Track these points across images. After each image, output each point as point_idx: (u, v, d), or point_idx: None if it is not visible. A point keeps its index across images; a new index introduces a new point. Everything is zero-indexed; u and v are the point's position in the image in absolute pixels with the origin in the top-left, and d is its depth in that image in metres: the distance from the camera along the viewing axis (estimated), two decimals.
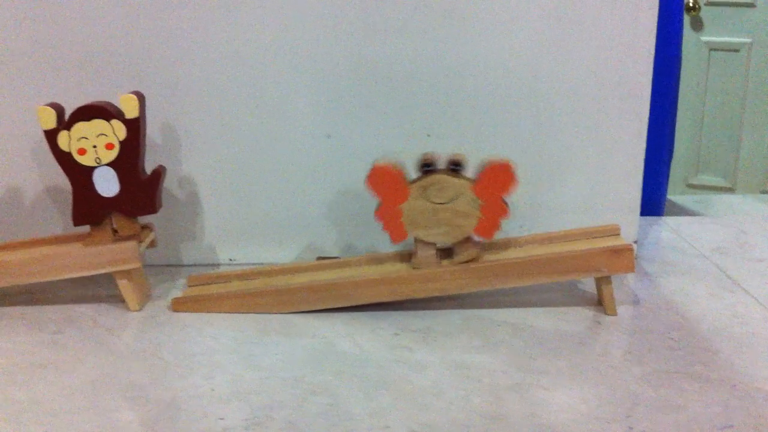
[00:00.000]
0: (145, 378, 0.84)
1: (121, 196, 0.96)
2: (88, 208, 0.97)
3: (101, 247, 0.98)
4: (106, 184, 0.96)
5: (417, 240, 0.97)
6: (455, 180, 0.94)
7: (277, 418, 0.76)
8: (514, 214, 1.10)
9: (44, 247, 1.02)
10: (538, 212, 1.12)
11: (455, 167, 0.94)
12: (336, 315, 0.98)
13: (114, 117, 0.93)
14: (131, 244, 0.97)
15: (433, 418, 0.76)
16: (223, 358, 0.88)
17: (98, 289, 1.05)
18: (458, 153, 0.95)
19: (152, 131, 1.06)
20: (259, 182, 1.10)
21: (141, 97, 0.95)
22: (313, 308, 0.98)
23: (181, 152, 1.09)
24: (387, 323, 0.96)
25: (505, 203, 0.95)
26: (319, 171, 1.10)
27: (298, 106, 1.07)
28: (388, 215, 0.95)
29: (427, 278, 0.96)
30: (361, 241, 1.12)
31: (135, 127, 0.94)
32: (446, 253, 0.99)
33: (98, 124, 0.93)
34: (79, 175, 0.95)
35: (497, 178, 0.94)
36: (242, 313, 0.99)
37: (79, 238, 1.03)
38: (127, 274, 0.98)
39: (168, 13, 1.03)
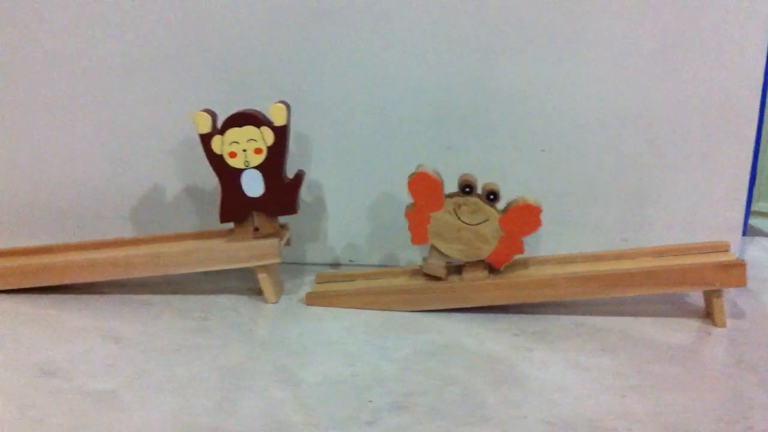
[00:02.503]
0: (291, 362, 0.92)
1: (265, 197, 1.05)
2: (235, 207, 1.05)
3: (245, 243, 1.06)
4: (253, 185, 1.04)
5: (433, 248, 1.04)
6: (488, 207, 1.02)
7: (419, 403, 0.83)
8: (619, 226, 1.16)
9: (189, 241, 1.12)
10: (642, 227, 1.18)
11: (492, 196, 1.01)
12: (456, 315, 1.05)
13: (264, 124, 1.02)
14: (273, 241, 1.05)
15: (562, 412, 0.82)
16: (359, 349, 0.95)
17: (235, 282, 1.14)
18: (495, 183, 1.02)
19: None
20: (381, 190, 1.17)
21: (288, 107, 1.03)
22: (435, 308, 1.05)
23: (311, 159, 1.17)
24: (506, 324, 1.03)
25: (522, 243, 1.02)
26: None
27: (421, 119, 1.15)
28: (418, 218, 1.03)
29: (543, 285, 1.03)
30: None
31: (282, 134, 1.02)
32: (456, 268, 1.07)
33: (249, 130, 1.02)
34: (229, 176, 1.04)
35: (525, 218, 1.01)
36: (368, 309, 1.06)
37: (218, 234, 1.12)
38: (266, 268, 1.07)
39: (306, 34, 1.12)
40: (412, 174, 1.01)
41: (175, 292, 1.11)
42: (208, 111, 1.03)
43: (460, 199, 1.02)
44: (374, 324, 1.02)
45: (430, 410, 0.82)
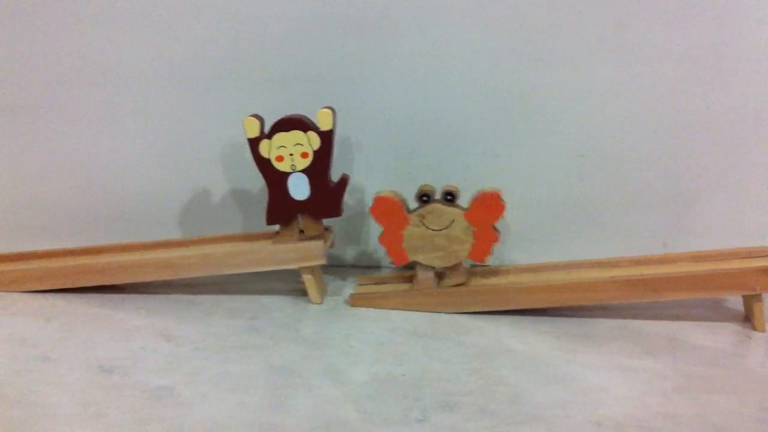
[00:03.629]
0: (340, 362, 0.94)
1: (310, 200, 1.07)
2: (281, 210, 1.08)
3: (291, 245, 1.09)
4: (299, 188, 1.07)
5: (417, 264, 1.07)
6: (449, 209, 1.04)
7: (468, 402, 0.85)
8: (659, 231, 1.18)
9: (236, 242, 1.14)
10: (682, 232, 1.19)
11: (449, 197, 1.04)
12: (497, 317, 1.07)
13: (310, 129, 1.04)
14: (318, 243, 1.08)
15: (609, 412, 0.84)
16: (406, 349, 0.97)
17: (280, 283, 1.17)
18: (451, 184, 1.05)
19: None
20: None
21: (333, 112, 1.06)
22: (477, 310, 1.07)
23: (353, 163, 1.20)
24: (548, 327, 1.04)
25: (496, 230, 1.04)
26: (482, 185, 1.18)
27: (469, 127, 1.16)
28: (391, 241, 1.06)
29: (587, 288, 1.04)
30: (519, 251, 1.20)
31: (328, 139, 1.05)
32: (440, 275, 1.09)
33: (296, 135, 1.04)
34: (276, 179, 1.06)
35: (488, 207, 1.03)
36: (412, 310, 1.08)
37: (264, 236, 1.15)
38: (311, 270, 1.09)
39: (353, 41, 1.14)
40: (372, 203, 1.05)
41: (222, 292, 1.14)
42: (256, 116, 1.05)
43: (423, 210, 1.04)
44: (418, 325, 1.04)
45: (478, 409, 0.84)
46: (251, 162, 1.06)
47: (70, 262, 1.13)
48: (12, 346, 0.96)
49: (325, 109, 1.04)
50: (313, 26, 1.14)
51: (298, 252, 1.08)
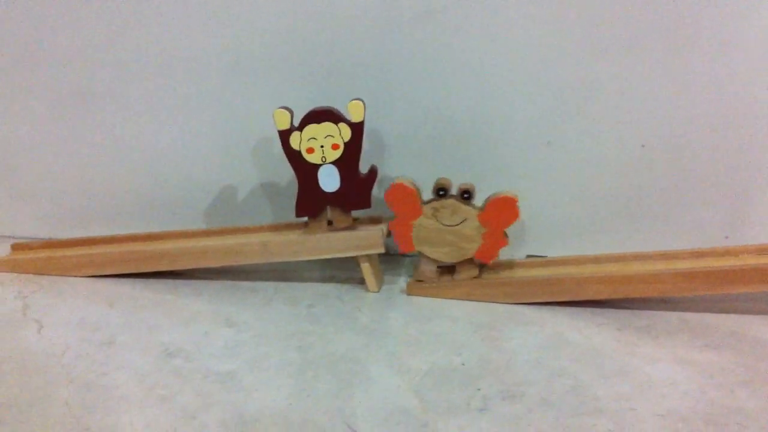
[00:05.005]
0: (400, 350, 0.95)
1: (340, 191, 1.07)
2: (311, 202, 1.08)
3: (350, 232, 1.09)
4: (329, 180, 1.07)
5: (422, 255, 1.07)
6: (465, 206, 1.04)
7: (529, 393, 0.85)
8: (721, 224, 1.16)
9: (286, 231, 1.15)
10: (744, 225, 1.16)
11: (466, 195, 1.03)
12: (557, 309, 1.06)
13: (341, 120, 1.04)
14: (377, 231, 1.08)
15: (673, 405, 0.83)
16: (465, 339, 0.97)
17: (336, 272, 1.17)
18: (469, 183, 1.04)
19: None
20: (485, 184, 1.18)
21: (364, 104, 1.05)
22: (537, 301, 1.07)
23: (384, 154, 1.19)
24: (608, 319, 1.03)
25: (506, 234, 1.04)
26: (540, 175, 1.18)
27: (522, 115, 1.16)
28: (401, 228, 1.06)
29: (649, 280, 1.03)
30: (578, 242, 1.19)
31: (359, 130, 1.04)
32: (448, 270, 1.09)
33: (327, 127, 1.04)
34: (306, 171, 1.06)
35: (502, 211, 1.03)
36: (469, 300, 1.08)
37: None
38: (369, 258, 1.10)
39: (414, 33, 1.14)
40: (388, 187, 1.05)
41: (280, 279, 1.15)
42: (286, 108, 1.05)
43: (437, 203, 1.05)
44: (477, 315, 1.04)
45: (540, 400, 0.84)
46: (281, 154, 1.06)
47: (133, 247, 1.15)
48: (80, 329, 0.98)
49: (356, 101, 1.04)
50: (368, 18, 1.14)
51: (357, 240, 1.09)
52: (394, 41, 1.15)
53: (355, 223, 1.13)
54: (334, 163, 1.06)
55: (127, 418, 0.80)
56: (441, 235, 1.06)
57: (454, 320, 1.03)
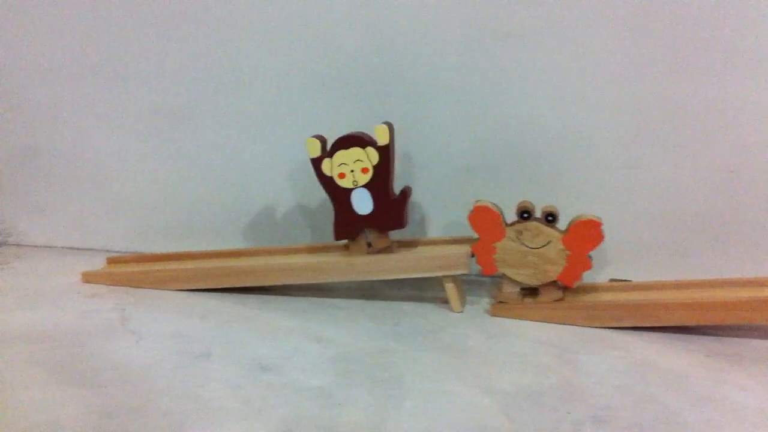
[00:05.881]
0: (486, 371, 0.95)
1: (374, 213, 1.10)
2: (347, 225, 1.11)
3: (435, 253, 1.11)
4: (362, 203, 1.10)
5: (504, 277, 1.07)
6: (549, 229, 1.04)
7: (620, 417, 0.85)
8: None
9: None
10: None
11: (550, 218, 1.04)
12: (642, 333, 1.06)
13: (368, 144, 1.07)
14: (463, 251, 1.10)
15: None
16: (552, 361, 0.98)
17: (418, 291, 1.19)
18: (552, 205, 1.04)
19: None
20: (576, 207, 1.18)
21: (391, 127, 1.08)
22: (621, 325, 1.06)
23: (466, 175, 1.21)
24: (695, 345, 1.02)
25: (589, 258, 1.03)
26: (623, 198, 1.17)
27: (604, 136, 1.16)
28: (483, 250, 1.07)
29: (736, 307, 1.02)
30: (663, 266, 1.18)
31: (386, 153, 1.07)
32: (531, 292, 1.09)
33: (355, 152, 1.08)
34: (340, 196, 1.10)
35: (586, 234, 1.03)
36: (551, 323, 1.09)
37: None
38: (453, 278, 1.11)
39: (471, 58, 1.15)
40: (471, 209, 1.06)
41: (364, 297, 1.17)
42: (318, 137, 1.09)
43: (521, 226, 1.06)
44: (561, 337, 1.05)
45: (631, 425, 0.84)
46: None
47: (222, 263, 1.19)
48: (175, 342, 1.02)
49: (382, 125, 1.07)
50: (452, 41, 1.16)
51: (442, 260, 1.10)
52: (477, 64, 1.17)
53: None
54: (365, 186, 1.09)
55: (225, 429, 0.82)
56: (524, 257, 1.07)
57: (539, 342, 1.03)
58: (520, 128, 1.18)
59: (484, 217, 1.07)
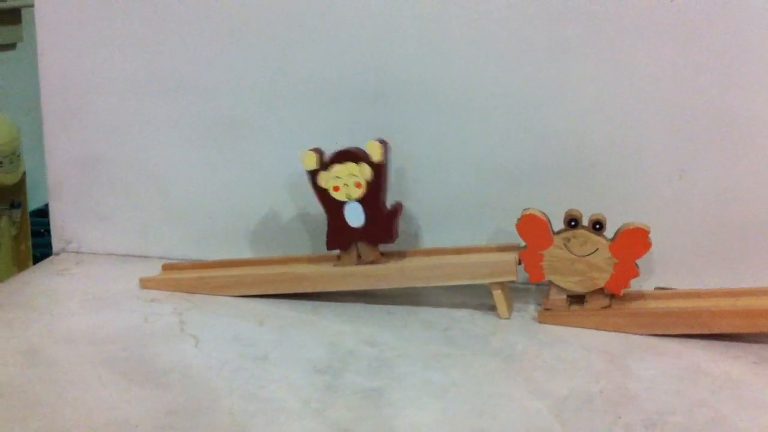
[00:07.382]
0: (538, 375, 0.98)
1: (366, 227, 1.14)
2: (340, 236, 1.15)
3: (483, 260, 1.14)
4: (355, 216, 1.14)
5: (552, 284, 1.09)
6: (596, 237, 1.06)
7: (671, 422, 0.87)
8: None
9: (421, 256, 1.20)
10: None
11: (597, 226, 1.05)
12: (689, 340, 1.07)
13: (362, 160, 1.11)
14: (511, 258, 1.12)
15: None
16: (601, 367, 1.00)
17: (466, 298, 1.21)
18: (600, 213, 1.06)
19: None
20: (615, 211, 1.19)
21: (385, 145, 1.12)
22: (669, 332, 1.08)
23: (514, 184, 1.23)
24: (744, 351, 1.04)
25: (636, 266, 1.05)
26: (670, 206, 1.19)
27: (652, 143, 1.17)
28: (531, 257, 1.09)
29: None
30: (711, 274, 1.19)
31: (379, 170, 1.11)
32: (577, 299, 1.11)
33: (349, 167, 1.12)
34: (334, 208, 1.14)
35: (633, 242, 1.04)
36: (601, 330, 1.10)
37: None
38: (501, 285, 1.14)
39: (520, 68, 1.18)
40: (519, 218, 1.09)
41: (414, 304, 1.20)
42: (315, 150, 1.13)
43: (568, 233, 1.07)
44: (610, 344, 1.06)
45: (683, 429, 0.85)
46: None
47: (275, 269, 1.22)
48: (235, 345, 1.06)
49: (375, 142, 1.11)
50: (502, 52, 1.19)
51: (491, 268, 1.13)
52: (526, 73, 1.19)
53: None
54: (358, 200, 1.13)
55: (287, 428, 0.86)
56: (571, 265, 1.09)
57: (588, 348, 1.05)
58: (568, 138, 1.20)
59: (532, 225, 1.09)
